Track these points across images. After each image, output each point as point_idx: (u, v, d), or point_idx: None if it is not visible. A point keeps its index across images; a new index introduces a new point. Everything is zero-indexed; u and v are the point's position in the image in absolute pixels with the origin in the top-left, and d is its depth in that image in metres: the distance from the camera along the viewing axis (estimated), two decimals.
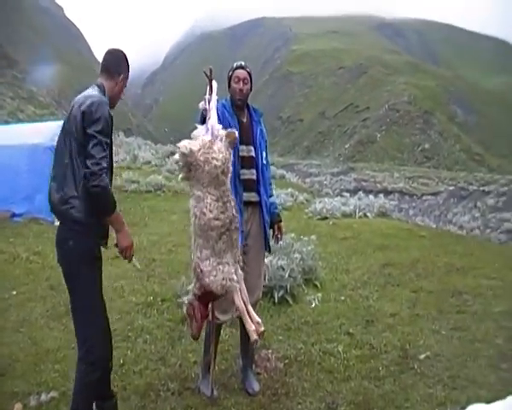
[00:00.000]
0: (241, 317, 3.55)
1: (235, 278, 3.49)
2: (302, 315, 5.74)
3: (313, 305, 6.03)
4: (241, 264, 3.66)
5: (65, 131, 3.38)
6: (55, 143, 10.51)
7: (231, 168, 3.53)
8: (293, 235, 7.00)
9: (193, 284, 3.66)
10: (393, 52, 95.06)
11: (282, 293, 6.03)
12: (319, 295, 6.27)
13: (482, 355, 4.59)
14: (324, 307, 5.97)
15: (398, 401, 3.98)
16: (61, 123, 10.73)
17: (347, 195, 14.24)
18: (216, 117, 3.60)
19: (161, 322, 5.45)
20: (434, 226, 14.83)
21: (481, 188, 31.33)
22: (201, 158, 3.37)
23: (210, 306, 3.79)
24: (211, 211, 3.39)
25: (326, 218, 11.27)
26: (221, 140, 3.47)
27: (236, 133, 3.57)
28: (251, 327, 3.46)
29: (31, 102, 40.49)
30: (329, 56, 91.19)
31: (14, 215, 10.85)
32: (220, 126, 3.56)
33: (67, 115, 3.37)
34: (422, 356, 4.60)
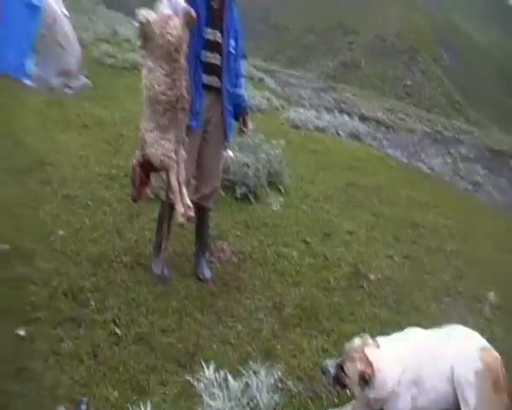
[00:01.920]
0: (174, 196, 3.62)
1: (173, 156, 3.58)
2: (262, 216, 5.77)
3: (274, 208, 6.06)
4: (186, 145, 3.70)
5: None
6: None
7: (186, 49, 3.50)
8: (262, 136, 6.89)
9: (138, 151, 3.77)
10: None
11: (244, 190, 6.02)
12: (281, 199, 6.30)
13: (428, 286, 4.78)
14: (285, 212, 6.01)
15: (344, 313, 4.11)
16: None
17: (323, 110, 14.03)
18: None
19: (122, 196, 5.37)
20: (406, 161, 15.01)
21: (456, 136, 31.59)
22: (157, 31, 3.38)
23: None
24: (159, 85, 3.44)
25: (298, 127, 11.15)
26: (179, 17, 3.42)
27: (194, 14, 3.50)
28: (180, 209, 3.57)
29: None
30: None
31: None
32: (184, 4, 3.48)
33: None
34: (373, 277, 4.74)
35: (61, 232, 4.42)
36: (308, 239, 5.36)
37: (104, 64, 13.74)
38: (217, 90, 4.00)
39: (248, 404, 2.63)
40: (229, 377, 2.70)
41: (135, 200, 4.02)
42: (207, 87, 3.95)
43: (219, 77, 3.98)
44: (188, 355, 3.27)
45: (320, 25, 74.53)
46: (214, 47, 3.94)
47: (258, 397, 2.65)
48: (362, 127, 12.64)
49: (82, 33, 17.50)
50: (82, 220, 4.75)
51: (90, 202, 5.17)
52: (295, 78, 53.65)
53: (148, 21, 3.36)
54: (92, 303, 3.59)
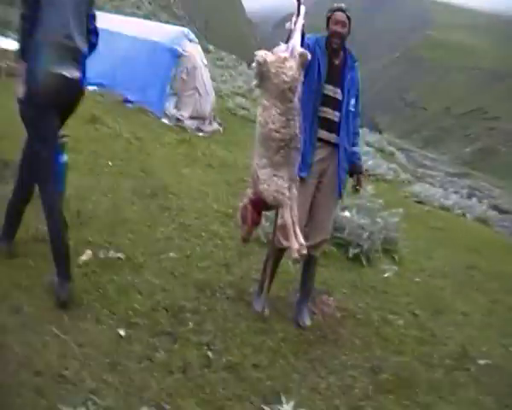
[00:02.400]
0: (287, 233, 3.61)
1: (287, 193, 3.61)
2: (372, 279, 5.60)
3: (386, 275, 5.86)
4: (297, 185, 3.74)
5: None
6: (174, 47, 10.90)
7: (299, 89, 3.59)
8: (381, 201, 6.77)
9: (249, 189, 3.83)
10: None
11: (357, 251, 5.92)
12: (395, 268, 6.08)
13: None
14: (396, 281, 5.78)
15: (444, 392, 3.79)
16: (184, 30, 11.00)
17: (452, 191, 13.57)
18: (299, 39, 3.65)
19: (235, 234, 5.44)
20: None
21: None
22: (273, 70, 3.49)
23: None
24: (273, 122, 3.51)
25: (422, 202, 10.84)
26: (295, 59, 3.51)
27: (309, 56, 3.58)
28: (294, 245, 3.55)
29: (165, 11, 41.75)
30: (467, 52, 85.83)
31: (126, 100, 11.29)
32: (301, 48, 3.59)
33: None
34: (482, 362, 4.33)
35: (171, 254, 4.59)
36: (417, 312, 5.08)
37: (236, 114, 14.50)
38: (334, 146, 4.07)
39: None
40: None
41: (245, 240, 4.08)
42: (325, 142, 4.04)
43: (337, 133, 4.04)
44: (275, 394, 3.17)
45: (459, 108, 72.98)
46: (333, 103, 4.03)
47: None
48: (492, 213, 11.97)
49: (221, 85, 18.69)
50: (193, 248, 4.90)
51: (203, 233, 5.34)
52: (429, 159, 52.78)
53: (265, 61, 3.51)
54: (190, 324, 3.63)
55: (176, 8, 47.18)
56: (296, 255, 3.58)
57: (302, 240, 3.61)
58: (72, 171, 5.07)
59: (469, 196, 15.44)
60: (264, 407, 2.93)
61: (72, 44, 3.42)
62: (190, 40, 12.35)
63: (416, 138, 70.30)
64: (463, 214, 10.96)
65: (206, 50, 33.13)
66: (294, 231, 3.61)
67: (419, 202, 10.81)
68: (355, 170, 4.25)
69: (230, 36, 70.67)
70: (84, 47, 3.54)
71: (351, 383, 3.57)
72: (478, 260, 7.61)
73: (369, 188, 7.26)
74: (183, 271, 4.37)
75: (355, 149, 4.25)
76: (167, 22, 36.87)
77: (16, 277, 3.44)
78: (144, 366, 3.04)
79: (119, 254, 4.17)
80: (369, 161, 11.57)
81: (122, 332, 3.26)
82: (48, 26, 3.30)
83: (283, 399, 2.69)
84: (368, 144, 19.55)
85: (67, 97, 3.54)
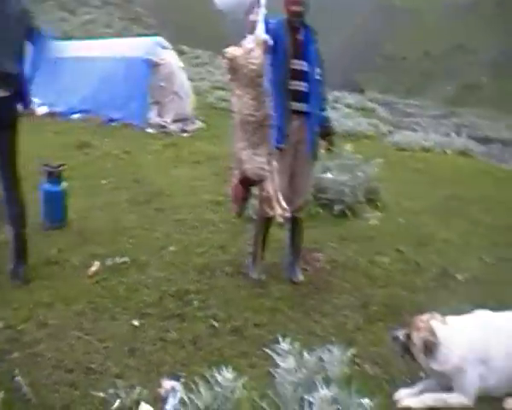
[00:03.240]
0: (270, 201, 4.09)
1: (266, 167, 4.07)
2: (358, 229, 6.06)
3: (371, 222, 6.31)
4: (275, 156, 4.18)
5: None
6: (149, 57, 11.36)
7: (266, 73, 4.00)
8: (360, 156, 7.21)
9: (235, 170, 4.24)
10: None
11: (341, 207, 6.36)
12: (379, 214, 6.54)
13: None
14: (381, 226, 6.24)
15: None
16: (156, 39, 11.49)
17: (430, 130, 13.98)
18: (262, 28, 4.00)
19: (227, 218, 5.95)
20: None
21: None
22: (242, 62, 3.89)
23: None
24: (247, 108, 3.93)
25: (403, 149, 11.26)
26: (259, 47, 3.90)
27: (269, 41, 3.98)
28: (278, 210, 4.05)
29: (136, 23, 41.88)
30: None
31: (111, 120, 11.78)
32: (264, 35, 3.96)
33: None
34: (460, 277, 4.82)
35: (171, 248, 5.10)
36: (401, 248, 5.55)
37: (217, 108, 14.84)
38: (305, 115, 4.46)
39: (320, 373, 2.95)
40: (304, 351, 3.06)
41: (239, 214, 4.60)
42: (296, 112, 4.43)
43: (307, 102, 4.44)
44: (276, 343, 3.66)
45: (437, 48, 72.60)
46: (300, 75, 4.42)
47: (329, 369, 2.97)
48: (472, 143, 12.37)
49: (199, 83, 19.07)
50: (190, 238, 5.40)
51: (197, 224, 5.83)
52: (413, 107, 52.88)
53: (235, 56, 3.94)
54: (195, 303, 4.13)
55: (146, 18, 47.23)
56: (280, 219, 4.12)
57: (285, 205, 4.10)
58: (70, 196, 5.62)
59: (457, 134, 15.77)
60: (264, 349, 3.41)
61: None
62: (164, 47, 12.78)
63: (399, 89, 70.16)
64: (444, 151, 11.38)
65: (181, 52, 33.38)
66: (277, 199, 4.10)
67: (400, 150, 11.23)
68: (325, 132, 4.65)
69: (204, 31, 70.65)
70: (13, 69, 4.04)
71: (343, 321, 4.06)
72: (457, 190, 8.06)
73: (348, 146, 7.67)
74: (184, 260, 4.87)
75: (323, 113, 4.65)
76: (139, 34, 37.20)
77: (38, 297, 3.97)
78: (159, 347, 3.54)
79: (124, 259, 4.69)
80: (348, 122, 11.96)
81: (136, 322, 3.77)
82: None
83: (280, 340, 3.15)
84: (349, 106, 19.97)
85: None
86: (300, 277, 4.68)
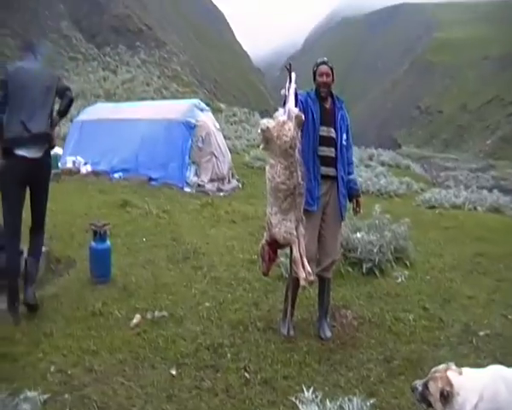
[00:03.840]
0: (296, 265, 4.41)
1: (294, 233, 4.38)
2: (386, 287, 6.29)
3: (399, 280, 6.53)
4: (304, 223, 4.49)
5: None
6: (186, 119, 12.16)
7: (299, 145, 4.35)
8: (388, 216, 7.50)
9: (265, 232, 4.58)
10: None
11: (370, 265, 6.63)
12: (406, 272, 6.75)
13: None
14: (408, 284, 6.45)
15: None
16: (194, 102, 12.22)
17: (461, 187, 14.19)
18: (293, 102, 4.42)
19: (261, 276, 6.23)
20: None
21: None
22: (275, 134, 4.25)
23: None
24: (279, 176, 4.27)
25: (434, 207, 11.49)
26: (292, 121, 4.28)
27: (303, 117, 4.35)
28: (302, 274, 4.34)
29: (174, 81, 43.56)
30: (474, 45, 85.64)
31: (150, 179, 12.42)
32: (297, 110, 4.37)
33: None
34: (482, 333, 5.00)
35: (207, 304, 5.46)
36: (427, 305, 5.74)
37: (253, 166, 15.36)
38: (333, 178, 4.85)
39: None
40: (327, 401, 3.33)
41: (265, 274, 4.88)
42: (325, 177, 4.82)
43: (335, 167, 4.84)
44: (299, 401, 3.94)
45: (474, 102, 72.48)
46: (329, 142, 4.84)
47: None
48: (503, 199, 12.53)
49: (235, 141, 19.79)
50: (225, 295, 5.75)
51: (233, 282, 6.19)
52: (451, 161, 52.98)
53: (268, 128, 4.32)
54: (228, 355, 4.45)
55: (184, 76, 49.09)
56: (303, 283, 4.39)
57: (309, 269, 4.39)
58: (114, 253, 6.09)
59: (492, 188, 15.86)
60: (290, 398, 3.69)
61: (30, 133, 4.65)
62: (202, 110, 13.54)
63: (436, 143, 70.09)
64: (474, 208, 11.56)
65: (218, 110, 34.48)
66: (302, 263, 4.40)
67: (431, 208, 11.46)
68: (352, 194, 5.01)
69: (241, 89, 72.61)
70: (46, 129, 4.80)
71: (367, 374, 4.29)
72: (485, 247, 8.19)
73: (376, 206, 7.97)
74: (219, 315, 5.22)
75: (351, 176, 5.03)
76: (177, 91, 38.75)
77: (85, 345, 4.39)
78: (194, 394, 3.87)
79: (163, 313, 5.08)
80: (380, 181, 12.30)
81: (173, 372, 4.12)
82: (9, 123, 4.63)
83: (304, 389, 3.43)
84: (382, 164, 20.32)
85: (30, 172, 4.77)
86: (328, 333, 4.94)
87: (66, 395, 3.69)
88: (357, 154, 20.70)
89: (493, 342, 4.83)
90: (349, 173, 5.02)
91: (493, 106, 69.40)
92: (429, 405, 3.36)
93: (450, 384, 3.24)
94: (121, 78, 37.83)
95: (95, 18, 46.38)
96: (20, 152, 4.63)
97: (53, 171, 11.59)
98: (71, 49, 42.83)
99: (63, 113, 4.98)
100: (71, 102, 4.98)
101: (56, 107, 4.94)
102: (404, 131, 78.33)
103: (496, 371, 3.46)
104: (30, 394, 3.18)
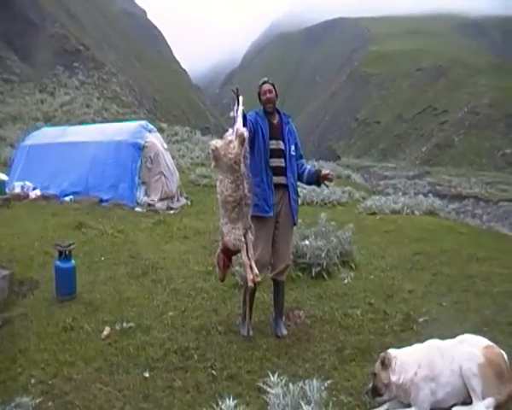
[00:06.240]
0: (245, 268, 4.84)
1: (242, 239, 4.81)
2: (334, 288, 6.83)
3: (345, 281, 7.09)
4: (252, 231, 4.92)
5: None
6: (135, 141, 12.46)
7: (244, 160, 4.80)
8: (333, 223, 8.07)
9: (219, 242, 5.03)
10: (475, 52, 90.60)
11: (318, 269, 7.16)
12: (352, 274, 7.33)
13: (469, 321, 5.53)
14: (354, 284, 7.02)
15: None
16: (141, 123, 12.54)
17: (400, 194, 15.09)
18: (241, 122, 4.87)
19: (217, 285, 6.68)
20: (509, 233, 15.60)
21: None
22: (222, 152, 4.68)
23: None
24: (227, 190, 4.71)
25: (375, 213, 12.25)
26: (237, 139, 4.71)
27: (245, 134, 4.72)
28: (249, 276, 4.76)
29: (114, 102, 43.25)
30: (408, 57, 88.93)
31: (101, 200, 12.58)
32: (244, 129, 4.80)
33: None
34: (421, 319, 5.63)
35: (170, 313, 5.84)
36: (372, 301, 6.32)
37: (199, 184, 15.75)
38: (284, 186, 5.32)
39: (303, 399, 3.66)
40: (290, 384, 3.78)
41: (221, 280, 5.31)
42: (277, 185, 5.29)
43: (285, 176, 5.31)
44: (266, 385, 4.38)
45: (409, 111, 75.03)
46: (278, 153, 5.32)
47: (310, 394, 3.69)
48: (438, 203, 13.48)
49: (180, 160, 20.10)
50: (186, 305, 6.14)
51: (191, 292, 6.57)
52: (389, 169, 55.01)
53: (216, 147, 4.76)
54: (195, 357, 4.85)
55: (124, 97, 48.77)
56: (251, 284, 4.81)
57: (257, 271, 4.80)
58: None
59: (436, 195, 16.86)
60: (256, 384, 4.12)
61: None
62: (150, 131, 13.82)
63: (375, 153, 72.40)
64: (412, 212, 12.40)
65: (159, 129, 34.54)
66: (250, 266, 4.83)
67: (372, 214, 12.22)
68: (316, 174, 5.50)
69: (181, 107, 72.56)
70: None
71: (322, 363, 4.79)
72: (423, 247, 8.96)
73: (322, 215, 8.52)
74: (182, 322, 5.61)
75: (306, 167, 5.57)
76: (118, 112, 38.47)
77: (61, 358, 4.68)
78: (168, 393, 4.26)
79: (131, 324, 5.44)
80: (324, 191, 12.94)
81: (147, 374, 4.50)
82: None
83: (271, 376, 3.85)
84: None
85: None
86: (284, 331, 5.41)
87: (50, 403, 4.00)
88: None
89: (431, 327, 5.42)
90: (304, 169, 5.53)
91: (427, 115, 72.24)
92: (380, 393, 3.90)
93: (387, 352, 3.83)
94: (60, 100, 37.11)
95: (29, 38, 45.44)
96: None
97: (1, 197, 11.59)
98: (4, 69, 41.65)
99: None
100: None
101: None
102: (344, 143, 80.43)
103: (432, 343, 4.04)
104: (22, 400, 3.46)
